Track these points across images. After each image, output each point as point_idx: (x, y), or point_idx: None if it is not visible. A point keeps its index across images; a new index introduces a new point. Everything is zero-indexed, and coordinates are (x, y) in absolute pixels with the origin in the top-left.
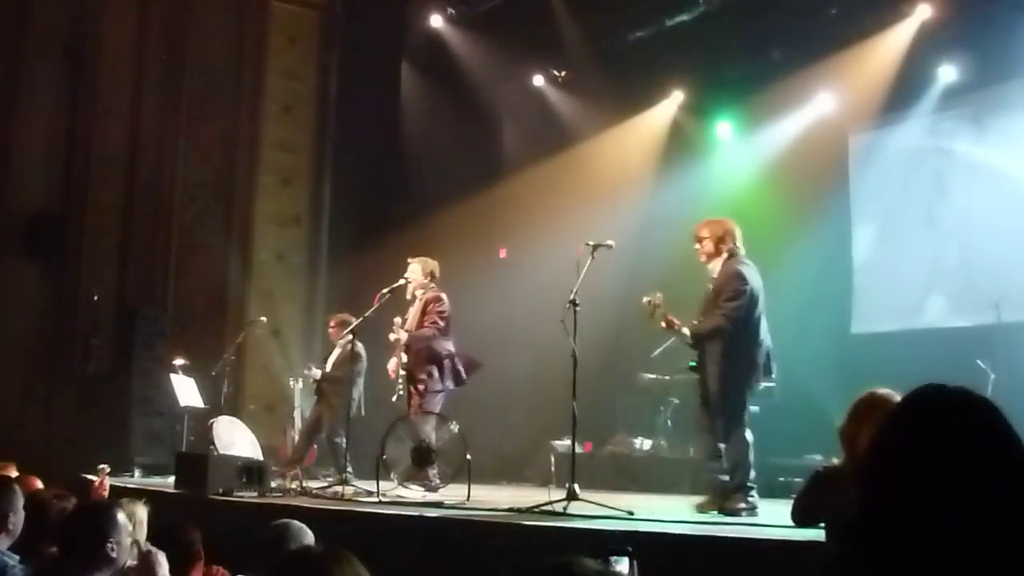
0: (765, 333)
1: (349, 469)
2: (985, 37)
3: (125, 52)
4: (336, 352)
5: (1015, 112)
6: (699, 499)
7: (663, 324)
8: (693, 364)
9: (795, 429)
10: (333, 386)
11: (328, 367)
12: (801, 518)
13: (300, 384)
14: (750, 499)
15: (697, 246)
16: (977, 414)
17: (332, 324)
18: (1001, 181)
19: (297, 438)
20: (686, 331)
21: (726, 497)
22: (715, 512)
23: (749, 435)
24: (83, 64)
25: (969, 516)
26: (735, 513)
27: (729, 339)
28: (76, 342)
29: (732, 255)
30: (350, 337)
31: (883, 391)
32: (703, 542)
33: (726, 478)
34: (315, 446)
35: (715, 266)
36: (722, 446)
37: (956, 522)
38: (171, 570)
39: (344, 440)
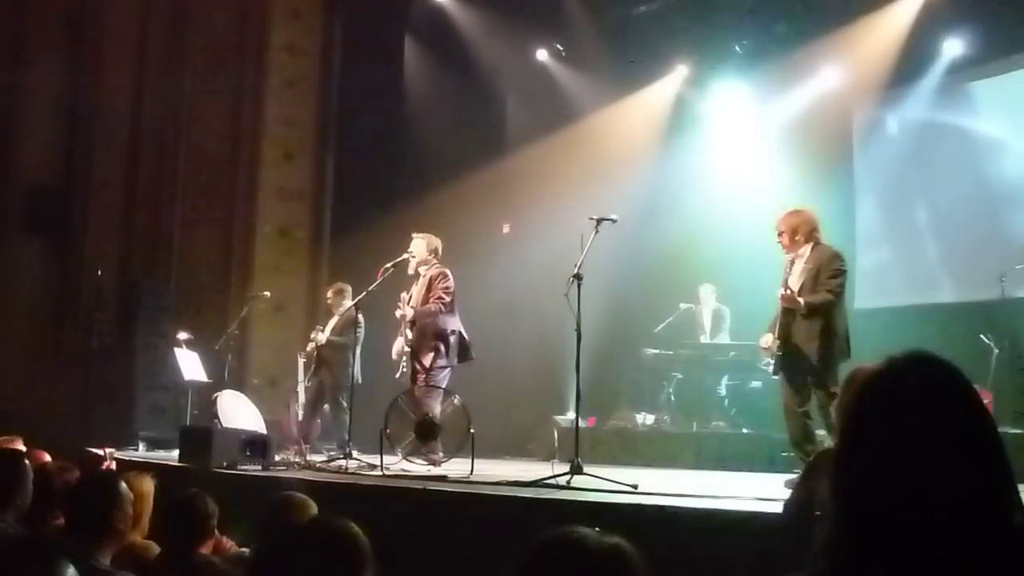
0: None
1: (350, 445)
2: (990, 10)
3: (128, 26)
4: (334, 319)
5: (1020, 85)
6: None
7: (782, 290)
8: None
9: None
10: (333, 352)
11: (327, 334)
12: (794, 511)
13: (304, 359)
14: None
15: (779, 239)
16: (935, 380)
17: (330, 293)
18: (1005, 155)
19: (301, 413)
20: (801, 300)
21: None
22: None
23: None
24: (86, 38)
25: (932, 482)
26: None
27: (831, 315)
28: (80, 316)
29: (818, 241)
30: (349, 304)
31: (870, 365)
32: (707, 516)
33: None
34: (319, 419)
35: (803, 254)
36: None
37: (917, 496)
38: (182, 543)
39: (348, 411)
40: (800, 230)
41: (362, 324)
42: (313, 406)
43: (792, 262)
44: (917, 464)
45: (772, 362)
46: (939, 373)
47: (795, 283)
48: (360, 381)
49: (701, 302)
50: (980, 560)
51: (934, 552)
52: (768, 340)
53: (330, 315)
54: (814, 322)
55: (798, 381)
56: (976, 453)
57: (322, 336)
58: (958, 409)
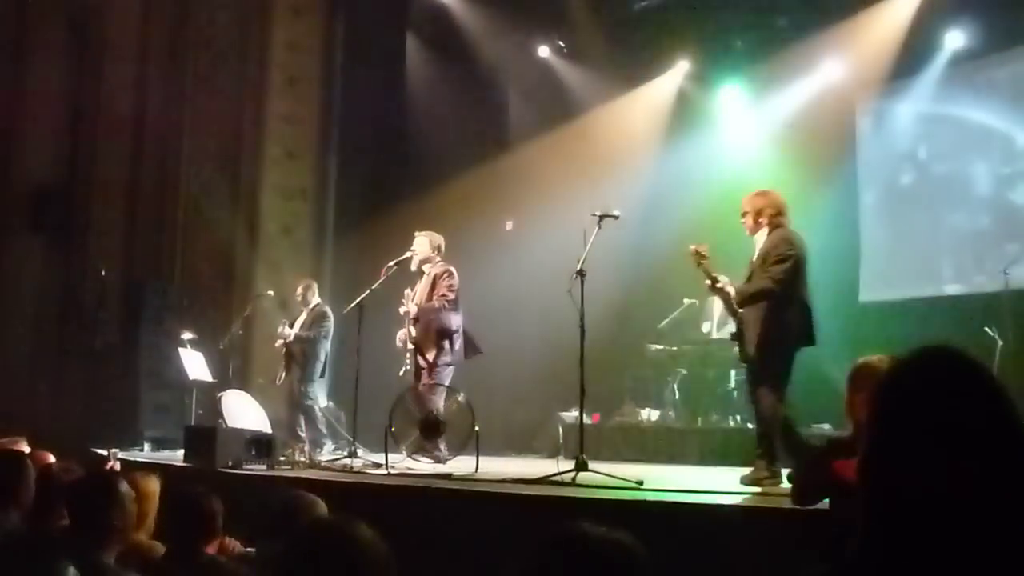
0: (809, 300)
1: (355, 443)
2: (992, 2)
3: (129, 25)
4: (303, 315)
5: (1020, 76)
6: (745, 470)
7: (707, 281)
8: (734, 333)
9: (804, 399)
10: (301, 347)
11: (296, 329)
12: (801, 498)
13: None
14: (773, 468)
15: (742, 220)
16: (961, 374)
17: (299, 288)
18: (1008, 147)
19: (289, 413)
20: (731, 290)
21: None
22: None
23: (779, 405)
24: (87, 37)
25: (964, 479)
26: (756, 483)
27: (774, 303)
28: (84, 316)
29: (778, 225)
30: (316, 300)
31: (875, 359)
32: (712, 511)
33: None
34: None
35: (760, 238)
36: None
37: (952, 489)
38: (188, 542)
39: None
40: (764, 212)
41: (331, 318)
42: (292, 404)
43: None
44: (948, 458)
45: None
46: (964, 365)
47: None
48: (325, 377)
49: (711, 303)
50: (1012, 554)
51: (966, 546)
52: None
53: (300, 311)
54: (758, 309)
55: (752, 372)
56: (1006, 443)
57: (289, 331)
58: (986, 400)
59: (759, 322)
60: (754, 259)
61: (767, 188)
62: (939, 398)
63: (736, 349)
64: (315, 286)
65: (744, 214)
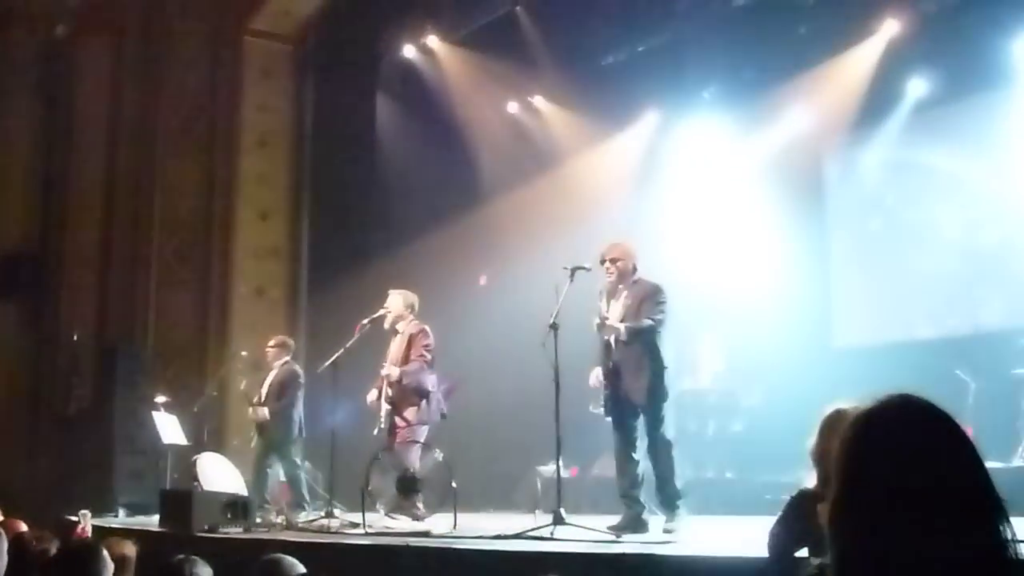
0: None
1: (332, 504)
2: (952, 50)
3: (100, 90)
4: (272, 374)
5: (985, 123)
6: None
7: (596, 319)
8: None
9: (780, 446)
10: (275, 416)
11: (264, 390)
12: (777, 552)
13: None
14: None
15: (611, 267)
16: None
17: (272, 343)
18: (974, 191)
19: (254, 477)
20: (620, 326)
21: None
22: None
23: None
24: (57, 103)
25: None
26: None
27: (656, 351)
28: (56, 382)
29: (637, 277)
30: (286, 359)
31: (848, 406)
32: (690, 563)
33: (639, 497)
34: (283, 478)
35: (624, 285)
36: (637, 460)
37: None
38: None
39: (300, 465)
40: (632, 259)
41: (301, 376)
42: (261, 467)
43: (609, 294)
44: (913, 510)
45: (603, 403)
46: (925, 415)
47: (615, 316)
48: (304, 435)
49: (691, 345)
50: None
51: None
52: (596, 376)
53: (265, 369)
54: (641, 358)
55: (629, 422)
56: (969, 495)
57: (263, 411)
58: (948, 452)
59: (647, 370)
60: (613, 306)
61: (735, 234)
62: (902, 451)
63: (602, 400)
64: (291, 346)
65: (615, 261)
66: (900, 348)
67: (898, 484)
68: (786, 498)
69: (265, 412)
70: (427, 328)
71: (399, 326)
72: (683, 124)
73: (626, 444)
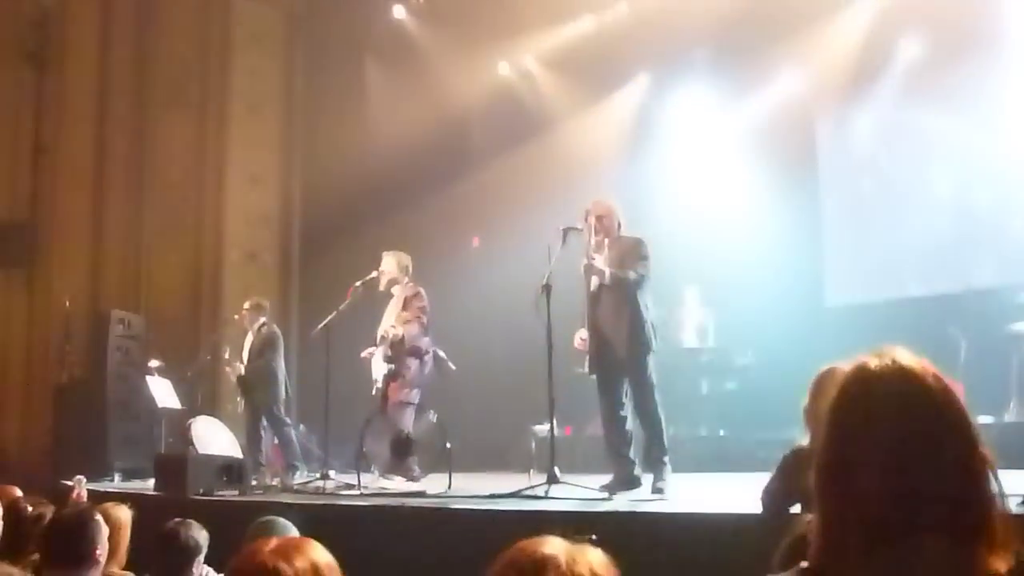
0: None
1: (328, 465)
2: (944, 11)
3: (89, 56)
4: (250, 338)
5: (976, 83)
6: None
7: (584, 259)
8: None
9: (773, 404)
10: (256, 376)
11: (245, 355)
12: (771, 508)
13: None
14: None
15: (596, 223)
16: (913, 385)
17: (247, 306)
18: (965, 151)
19: (248, 441)
20: (606, 268)
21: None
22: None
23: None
24: (47, 69)
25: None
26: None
27: (641, 302)
28: (49, 349)
29: (620, 232)
30: (262, 320)
31: (843, 366)
32: (683, 520)
33: (630, 454)
34: (275, 440)
35: (609, 240)
36: (624, 417)
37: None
38: (171, 571)
39: (290, 423)
40: (616, 215)
41: (280, 337)
42: (254, 430)
43: (595, 249)
44: (900, 467)
45: (588, 362)
46: (915, 373)
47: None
48: (290, 395)
49: (686, 306)
50: (964, 557)
51: (921, 551)
52: (582, 336)
53: (244, 334)
54: (621, 310)
55: (613, 377)
56: (955, 452)
57: (239, 365)
58: (937, 408)
59: (627, 323)
60: (600, 259)
61: (728, 196)
62: (891, 409)
63: (587, 356)
64: (266, 307)
65: (600, 217)
66: (892, 306)
67: (887, 443)
68: (780, 456)
69: (240, 367)
70: (422, 290)
71: (394, 288)
72: (675, 86)
73: (612, 401)
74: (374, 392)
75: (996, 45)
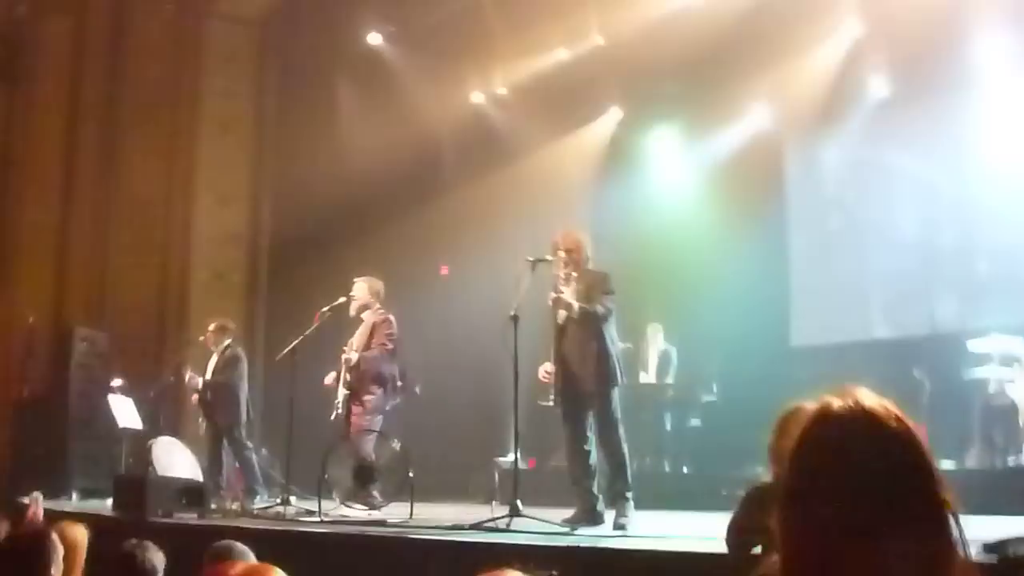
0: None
1: (288, 491)
2: (913, 52)
3: (61, 71)
4: (214, 359)
5: (944, 124)
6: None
7: (552, 293)
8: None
9: (736, 441)
10: (216, 393)
11: (208, 376)
12: (736, 543)
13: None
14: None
15: (564, 256)
16: (875, 428)
17: (212, 327)
18: (931, 192)
19: (208, 464)
20: (574, 302)
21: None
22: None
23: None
24: (17, 84)
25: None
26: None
27: (606, 336)
28: (10, 364)
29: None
30: (227, 342)
31: (808, 405)
32: (645, 556)
33: (593, 488)
34: (236, 463)
35: (577, 274)
36: (589, 451)
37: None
38: None
39: (250, 447)
40: (584, 249)
41: (243, 360)
42: (215, 453)
43: (562, 281)
44: (861, 508)
45: (552, 395)
46: (878, 415)
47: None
48: (252, 417)
49: (648, 342)
50: None
51: None
52: (547, 368)
53: (209, 354)
54: (588, 344)
55: (578, 411)
56: (917, 496)
57: (198, 379)
58: (900, 452)
59: (594, 356)
60: (568, 291)
61: (696, 232)
62: (854, 450)
63: (551, 389)
64: (231, 328)
65: (570, 251)
66: (858, 347)
67: (848, 483)
68: (743, 493)
69: (198, 382)
70: (391, 318)
71: (364, 314)
72: (645, 119)
73: (577, 435)
74: (333, 417)
75: (964, 86)
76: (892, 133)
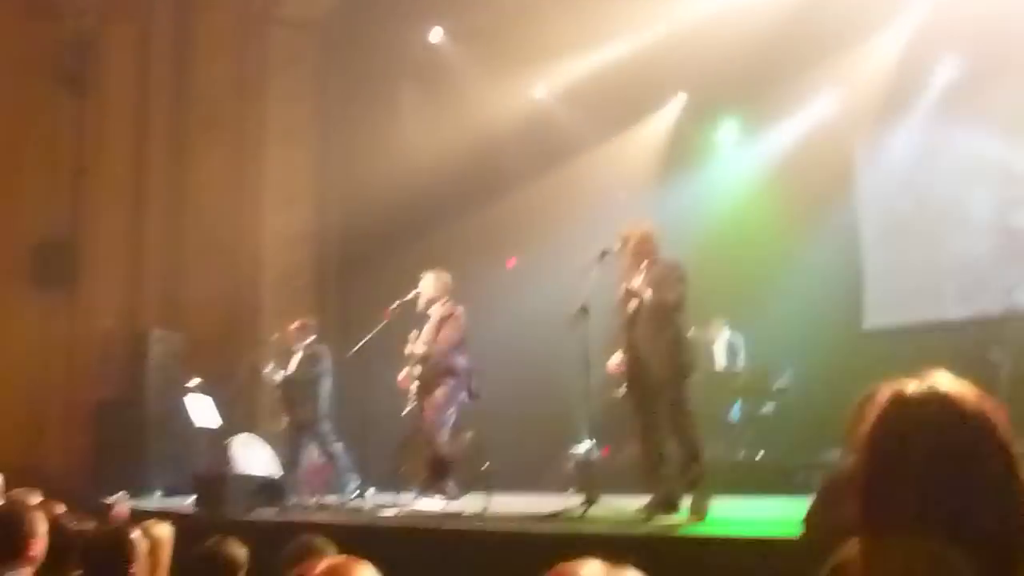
0: None
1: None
2: (981, 32)
3: (128, 79)
4: (297, 356)
5: (1015, 103)
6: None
7: (623, 285)
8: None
9: (811, 427)
10: (296, 389)
11: (291, 372)
12: (812, 532)
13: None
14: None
15: (631, 248)
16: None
17: (295, 326)
18: (1006, 172)
19: (288, 459)
20: (647, 292)
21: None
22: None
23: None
24: (87, 93)
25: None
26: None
27: (680, 324)
28: (90, 367)
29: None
30: (309, 339)
31: (886, 388)
32: (720, 542)
33: (667, 476)
34: (320, 457)
35: (644, 265)
36: (662, 439)
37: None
38: None
39: (336, 439)
40: (652, 238)
41: (326, 357)
42: (295, 448)
43: (629, 273)
44: (935, 492)
45: (624, 384)
46: (956, 397)
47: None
48: (329, 412)
49: (714, 334)
50: None
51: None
52: (616, 359)
53: (291, 352)
54: (661, 332)
55: (650, 399)
56: (993, 478)
57: (280, 373)
58: (971, 434)
59: (666, 344)
60: (636, 286)
61: (764, 221)
62: (932, 434)
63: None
64: (312, 326)
65: (637, 240)
66: (932, 329)
67: (922, 466)
68: (819, 479)
69: (278, 377)
70: (459, 310)
71: (432, 308)
72: (712, 107)
73: (650, 423)
74: (405, 412)
75: None
76: (961, 113)
